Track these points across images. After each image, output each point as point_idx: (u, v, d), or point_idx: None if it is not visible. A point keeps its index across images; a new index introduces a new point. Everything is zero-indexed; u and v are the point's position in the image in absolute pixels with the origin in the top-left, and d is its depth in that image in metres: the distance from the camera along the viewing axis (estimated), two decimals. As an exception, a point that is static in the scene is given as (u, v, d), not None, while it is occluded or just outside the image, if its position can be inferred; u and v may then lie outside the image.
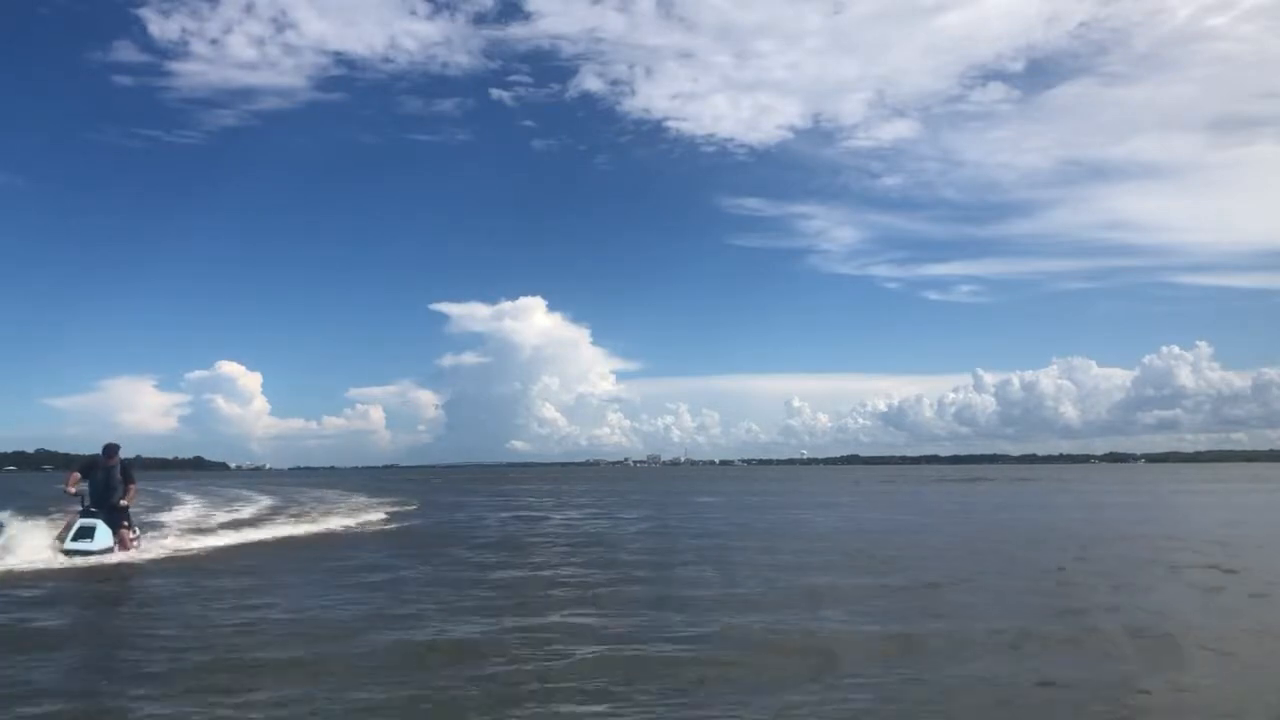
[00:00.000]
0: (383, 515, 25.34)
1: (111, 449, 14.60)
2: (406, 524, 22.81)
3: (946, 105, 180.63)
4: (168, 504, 31.19)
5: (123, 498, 14.32)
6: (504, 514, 27.20)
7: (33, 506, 18.76)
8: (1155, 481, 59.73)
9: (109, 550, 13.55)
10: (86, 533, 13.30)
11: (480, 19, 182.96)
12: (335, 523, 22.45)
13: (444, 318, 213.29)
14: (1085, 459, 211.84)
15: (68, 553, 13.02)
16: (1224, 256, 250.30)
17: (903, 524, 22.47)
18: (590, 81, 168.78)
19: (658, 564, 13.41)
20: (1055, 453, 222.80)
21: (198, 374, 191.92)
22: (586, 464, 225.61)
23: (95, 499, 14.14)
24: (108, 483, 14.27)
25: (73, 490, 14.13)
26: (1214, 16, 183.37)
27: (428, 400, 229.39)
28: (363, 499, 36.00)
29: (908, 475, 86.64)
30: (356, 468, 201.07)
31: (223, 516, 24.79)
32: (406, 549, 16.11)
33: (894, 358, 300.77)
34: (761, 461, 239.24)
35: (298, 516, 24.82)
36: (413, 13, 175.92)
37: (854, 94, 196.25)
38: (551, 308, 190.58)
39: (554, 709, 5.80)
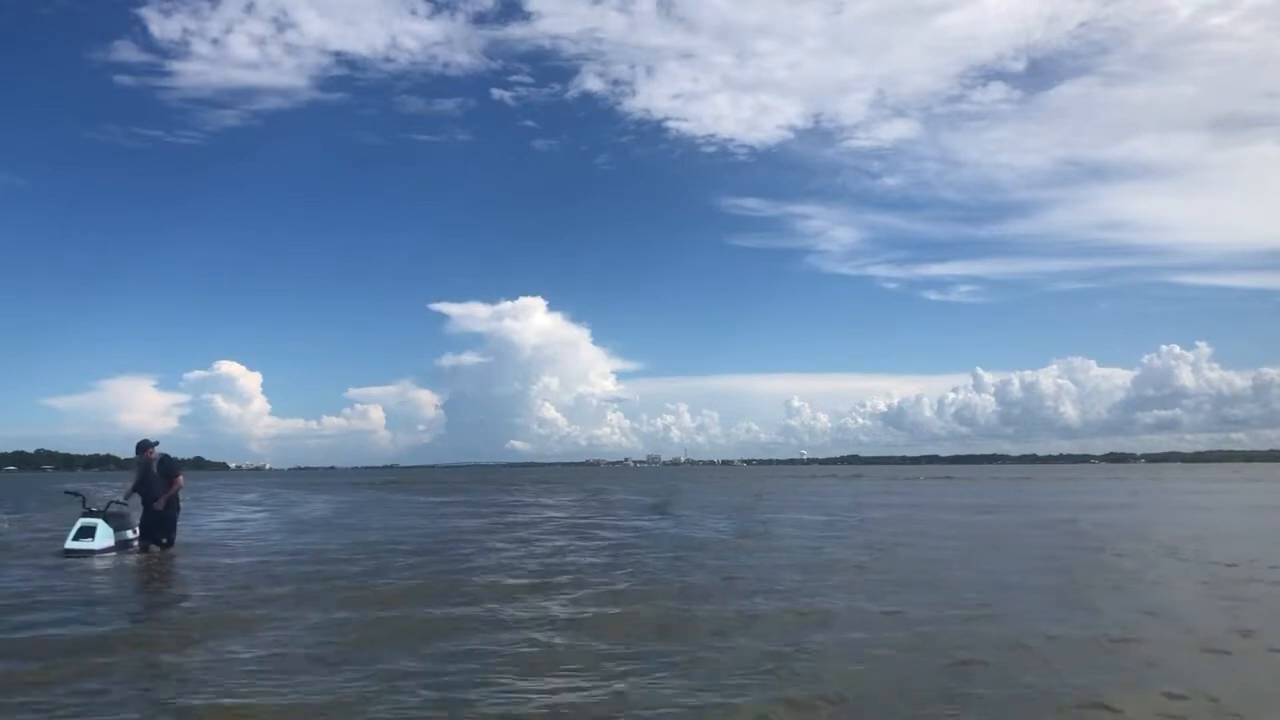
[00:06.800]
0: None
1: (142, 445, 13.76)
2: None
3: (946, 105, 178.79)
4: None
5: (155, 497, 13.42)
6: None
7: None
8: (1194, 479, 56.82)
9: (109, 550, 13.22)
10: (87, 532, 13.23)
11: (480, 19, 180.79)
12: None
13: (444, 318, 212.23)
14: (1085, 459, 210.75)
15: (68, 552, 12.91)
16: (1224, 256, 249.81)
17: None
18: (591, 81, 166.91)
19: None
20: (1055, 453, 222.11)
21: (197, 374, 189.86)
22: (586, 464, 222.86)
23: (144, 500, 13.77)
24: (145, 481, 13.57)
25: (123, 498, 13.91)
26: (1214, 16, 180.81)
27: (428, 400, 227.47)
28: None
29: (918, 474, 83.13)
30: (356, 468, 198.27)
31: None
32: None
33: (894, 358, 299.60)
34: (762, 461, 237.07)
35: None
36: (413, 13, 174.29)
37: (854, 94, 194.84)
38: (551, 308, 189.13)
39: None
